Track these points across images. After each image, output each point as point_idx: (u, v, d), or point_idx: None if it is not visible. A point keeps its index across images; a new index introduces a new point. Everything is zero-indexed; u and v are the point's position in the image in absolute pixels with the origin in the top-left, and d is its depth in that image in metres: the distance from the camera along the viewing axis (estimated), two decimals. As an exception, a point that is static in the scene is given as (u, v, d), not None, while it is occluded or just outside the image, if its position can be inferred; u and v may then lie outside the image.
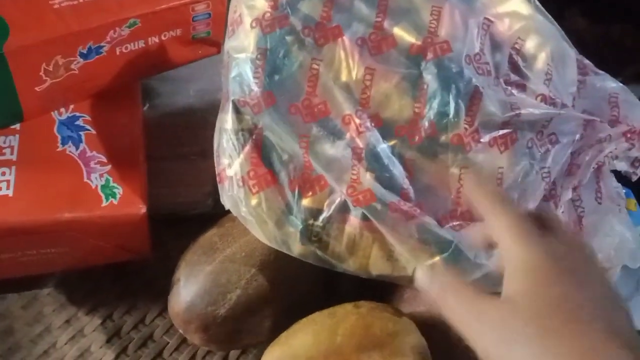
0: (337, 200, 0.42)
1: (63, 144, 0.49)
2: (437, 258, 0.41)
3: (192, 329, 0.44)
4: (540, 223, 0.34)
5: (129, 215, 0.46)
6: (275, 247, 0.43)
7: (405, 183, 0.40)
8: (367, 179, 0.40)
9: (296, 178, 0.42)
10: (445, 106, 0.40)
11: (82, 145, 0.49)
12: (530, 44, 0.43)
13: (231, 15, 0.44)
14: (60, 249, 0.47)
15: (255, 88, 0.41)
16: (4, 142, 0.48)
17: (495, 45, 0.42)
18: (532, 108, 0.41)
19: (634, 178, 0.48)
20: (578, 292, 0.30)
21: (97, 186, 0.47)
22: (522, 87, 0.42)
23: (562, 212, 0.44)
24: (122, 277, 0.53)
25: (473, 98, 0.40)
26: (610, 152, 0.45)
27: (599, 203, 0.46)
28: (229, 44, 0.43)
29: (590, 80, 0.46)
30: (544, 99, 0.42)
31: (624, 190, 0.57)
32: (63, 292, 0.52)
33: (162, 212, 0.52)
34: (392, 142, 0.41)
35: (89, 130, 0.50)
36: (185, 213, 0.57)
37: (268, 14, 0.41)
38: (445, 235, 0.40)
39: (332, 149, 0.41)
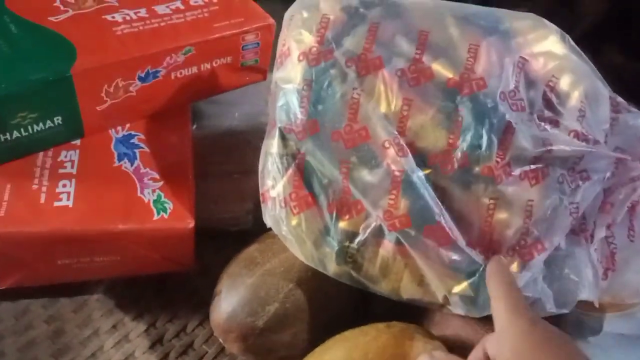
0: (373, 225, 0.44)
1: (119, 160, 0.52)
2: (464, 284, 0.42)
3: (232, 339, 0.47)
4: None
5: (178, 229, 0.49)
6: (312, 265, 0.46)
7: (438, 210, 0.42)
8: (403, 204, 0.42)
9: (334, 201, 0.44)
10: (478, 139, 0.42)
11: (137, 162, 0.52)
12: (564, 82, 0.44)
13: (280, 48, 0.47)
14: (112, 257, 0.50)
15: (301, 116, 0.44)
16: (66, 157, 0.52)
17: (530, 82, 0.44)
18: (564, 144, 0.42)
19: None
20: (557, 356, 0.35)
21: (149, 201, 0.50)
22: (555, 124, 0.44)
23: (596, 249, 0.45)
24: (165, 287, 0.56)
25: (506, 132, 0.42)
26: None
27: (632, 241, 0.47)
28: (277, 75, 0.46)
29: (623, 118, 0.47)
30: (577, 136, 0.43)
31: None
32: (111, 298, 0.55)
33: (205, 227, 0.55)
34: (427, 171, 0.43)
35: (143, 148, 0.54)
36: (227, 229, 0.59)
37: (314, 49, 0.44)
38: (473, 256, 0.42)
39: (370, 176, 0.43)
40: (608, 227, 0.45)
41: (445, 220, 0.41)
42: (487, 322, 0.47)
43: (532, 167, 0.42)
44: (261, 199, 0.47)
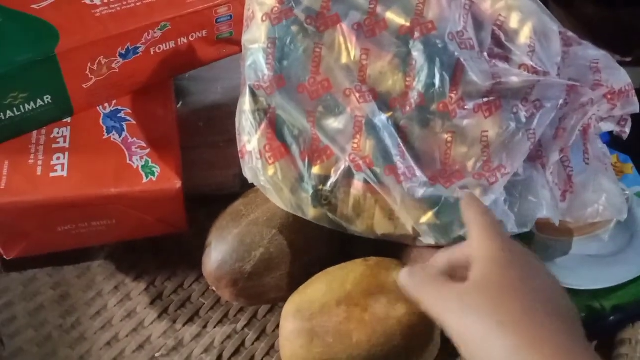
0: (342, 167, 0.47)
1: (108, 132, 0.56)
2: (429, 213, 0.46)
3: (224, 285, 0.50)
4: None
5: (166, 190, 0.53)
6: (291, 211, 0.49)
7: (399, 149, 0.45)
8: (367, 146, 0.46)
9: (306, 149, 0.48)
10: (432, 78, 0.45)
11: (125, 133, 0.56)
12: (512, 20, 0.47)
13: (246, 13, 0.51)
14: (108, 221, 0.54)
15: (267, 72, 0.47)
16: (58, 133, 0.55)
17: (478, 23, 0.47)
18: (513, 77, 0.46)
19: (625, 136, 0.51)
20: (528, 278, 0.37)
21: (138, 166, 0.53)
22: (505, 59, 0.47)
23: (552, 172, 0.48)
24: (162, 250, 0.59)
25: (456, 70, 0.45)
26: (594, 114, 0.49)
27: (587, 163, 0.50)
28: (244, 38, 0.50)
29: (573, 50, 0.50)
30: (527, 69, 0.47)
31: (623, 156, 0.61)
32: (112, 263, 0.59)
33: (196, 194, 0.58)
34: (388, 114, 0.46)
35: (130, 120, 0.57)
36: (216, 194, 0.62)
37: (276, 8, 0.47)
38: (432, 192, 0.45)
39: (336, 122, 0.47)
40: (561, 151, 0.48)
41: (402, 159, 0.45)
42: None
43: (485, 100, 0.46)
44: (239, 154, 0.50)
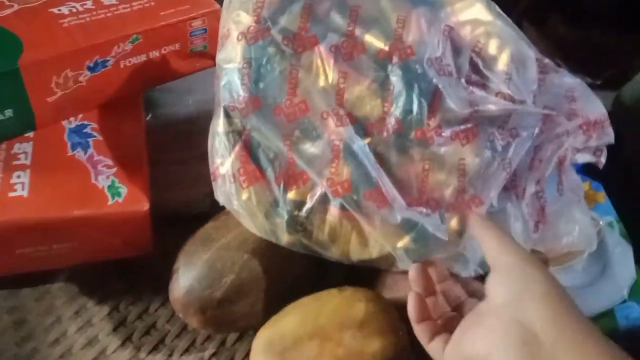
0: (319, 193, 0.46)
1: (72, 149, 0.53)
2: (405, 238, 0.45)
3: (191, 312, 0.48)
4: None
5: (133, 212, 0.50)
6: (265, 237, 0.47)
7: (376, 174, 0.44)
8: (344, 171, 0.45)
9: (281, 174, 0.46)
10: (410, 104, 0.44)
11: (90, 150, 0.53)
12: (490, 47, 0.47)
13: (221, 30, 0.49)
14: (71, 244, 0.51)
15: (243, 93, 0.45)
16: (19, 149, 0.52)
17: (457, 49, 0.46)
18: (490, 104, 0.45)
19: (600, 166, 0.51)
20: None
21: (103, 186, 0.51)
22: (482, 87, 0.46)
23: (527, 203, 0.48)
24: (127, 272, 0.57)
25: (434, 96, 0.44)
26: (570, 145, 0.49)
27: (560, 194, 0.50)
28: (219, 57, 0.48)
29: (549, 78, 0.50)
30: (504, 97, 0.46)
31: (595, 184, 0.61)
32: (73, 285, 0.56)
33: (164, 213, 0.56)
34: (366, 140, 0.45)
35: (96, 137, 0.55)
36: (185, 213, 0.61)
37: (252, 28, 0.46)
38: (410, 215, 0.44)
39: (313, 147, 0.45)
40: (537, 182, 0.48)
41: (383, 183, 0.44)
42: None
43: (462, 127, 0.45)
44: (212, 177, 0.49)
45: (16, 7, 0.54)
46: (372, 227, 0.45)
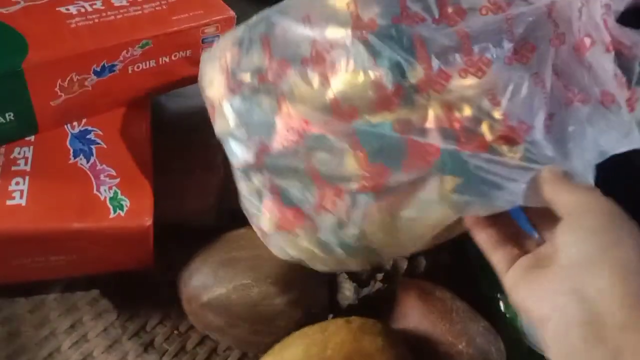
0: (358, 200, 0.43)
1: (75, 156, 0.51)
2: (455, 179, 0.41)
3: (184, 297, 0.50)
4: None
5: (134, 227, 0.48)
6: (337, 271, 0.46)
7: (405, 140, 0.41)
8: (371, 159, 0.42)
9: (317, 201, 0.43)
10: (399, 65, 0.41)
11: (93, 159, 0.51)
12: None
13: (209, 110, 0.49)
14: (68, 256, 0.49)
15: (249, 149, 0.44)
16: (19, 153, 0.50)
17: None
18: (479, 23, 0.41)
19: None
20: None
21: (105, 198, 0.49)
22: (462, 14, 0.42)
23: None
24: (125, 285, 0.55)
25: (416, 45, 0.41)
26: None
27: None
28: (217, 131, 0.48)
29: None
30: (488, 9, 0.41)
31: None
32: (69, 297, 0.54)
33: (166, 223, 0.54)
34: (375, 119, 0.42)
35: (99, 144, 0.53)
36: (189, 224, 0.59)
37: (227, 88, 0.45)
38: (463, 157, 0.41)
39: (329, 157, 0.43)
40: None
41: (415, 141, 0.41)
42: (445, 316, 0.48)
43: (466, 59, 0.41)
44: (259, 235, 0.47)
45: (22, 4, 0.52)
46: (421, 191, 0.42)
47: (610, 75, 0.42)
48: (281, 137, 0.43)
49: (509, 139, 0.41)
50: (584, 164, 0.41)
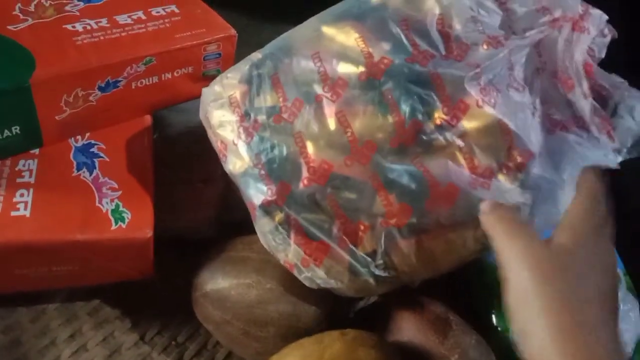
0: (383, 234, 0.44)
1: (78, 169, 0.52)
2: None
3: (193, 284, 0.52)
4: None
5: (136, 239, 0.49)
6: (360, 295, 0.47)
7: (425, 180, 0.43)
8: (395, 198, 0.43)
9: (341, 236, 0.45)
10: (415, 100, 0.43)
11: (96, 172, 0.52)
12: (447, 12, 0.45)
13: (215, 146, 0.50)
14: (70, 267, 0.50)
15: (268, 186, 0.45)
16: (24, 166, 0.51)
17: (424, 32, 0.45)
18: (485, 57, 0.43)
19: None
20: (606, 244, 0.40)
21: (107, 210, 0.50)
22: (466, 48, 0.44)
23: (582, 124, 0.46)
24: (125, 296, 0.55)
25: (434, 82, 0.43)
26: (579, 48, 0.46)
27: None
28: (228, 168, 0.48)
29: (511, 4, 0.47)
30: (489, 44, 0.44)
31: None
32: (69, 307, 0.55)
33: (166, 235, 0.55)
34: (395, 158, 0.44)
35: (102, 157, 0.54)
36: (188, 236, 0.60)
37: (241, 128, 0.46)
38: (478, 195, 0.43)
39: (353, 194, 0.44)
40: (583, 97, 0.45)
41: (437, 183, 0.43)
42: (439, 329, 0.49)
43: (480, 89, 0.43)
44: (288, 268, 0.48)
45: (30, 21, 0.53)
46: (449, 230, 0.44)
47: (588, 110, 0.45)
48: (303, 176, 0.44)
49: (516, 167, 0.44)
50: (572, 178, 0.44)
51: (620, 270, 0.58)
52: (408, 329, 0.49)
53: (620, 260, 0.58)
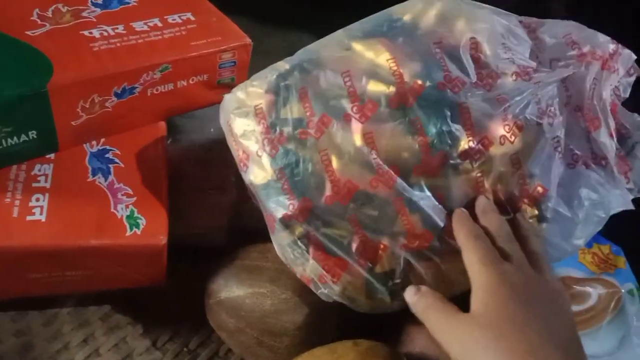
0: (402, 255, 0.44)
1: (93, 174, 0.53)
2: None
3: (206, 291, 0.52)
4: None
5: (150, 246, 0.50)
6: (375, 312, 0.47)
7: (442, 211, 0.44)
8: (417, 221, 0.44)
9: (361, 254, 0.44)
10: (442, 130, 0.43)
11: (111, 177, 0.53)
12: (480, 37, 0.46)
13: (236, 155, 0.49)
14: (84, 272, 0.50)
15: (291, 201, 0.44)
16: (40, 170, 0.52)
17: (456, 57, 0.45)
18: (515, 92, 0.44)
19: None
20: (527, 309, 0.38)
21: (122, 216, 0.50)
22: (495, 77, 0.45)
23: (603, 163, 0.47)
24: (137, 302, 0.56)
25: (462, 113, 0.43)
26: (606, 86, 0.46)
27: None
28: (249, 178, 0.47)
29: (541, 33, 0.48)
30: (517, 74, 0.45)
31: (616, 248, 0.60)
32: (82, 312, 0.55)
33: (179, 242, 0.56)
34: (418, 182, 0.44)
35: (117, 163, 0.54)
36: (201, 243, 0.60)
37: (266, 140, 0.45)
38: None
39: (376, 214, 0.44)
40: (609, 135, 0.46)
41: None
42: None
43: (505, 125, 0.44)
44: (305, 282, 0.48)
45: (48, 27, 0.54)
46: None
47: (613, 151, 0.46)
48: (327, 194, 0.44)
49: (530, 201, 0.44)
50: (588, 217, 0.46)
51: (633, 285, 0.57)
52: (420, 339, 0.49)
53: (634, 275, 0.58)
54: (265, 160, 0.45)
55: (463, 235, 0.42)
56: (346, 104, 0.44)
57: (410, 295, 0.43)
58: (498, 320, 0.37)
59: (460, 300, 0.41)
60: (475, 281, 0.40)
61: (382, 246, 0.44)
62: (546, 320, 0.38)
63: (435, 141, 0.43)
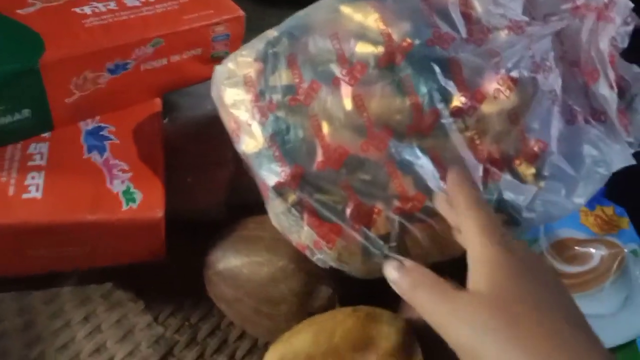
0: (397, 218, 0.44)
1: (89, 152, 0.52)
2: None
3: (205, 261, 0.52)
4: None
5: (147, 219, 0.49)
6: (376, 277, 0.46)
7: (436, 171, 0.43)
8: (410, 184, 0.43)
9: (355, 218, 0.44)
10: (435, 90, 0.42)
11: (106, 154, 0.53)
12: None
13: (227, 126, 0.48)
14: (82, 248, 0.50)
15: (282, 168, 0.44)
16: (35, 149, 0.51)
17: (444, 14, 0.44)
18: (506, 45, 0.43)
19: None
20: (539, 287, 0.34)
21: (118, 191, 0.50)
22: (487, 32, 0.44)
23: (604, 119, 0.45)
24: (138, 277, 0.55)
25: (453, 68, 0.42)
26: (603, 37, 0.45)
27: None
28: (241, 148, 0.47)
29: None
30: (511, 28, 0.44)
31: (619, 209, 0.60)
32: (83, 290, 0.55)
33: (177, 219, 0.55)
34: (409, 143, 0.43)
35: (113, 140, 0.54)
36: (199, 219, 0.60)
37: (256, 108, 0.45)
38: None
39: (368, 178, 0.44)
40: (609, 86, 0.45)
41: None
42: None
43: (499, 78, 0.43)
44: (300, 249, 0.47)
45: (39, 5, 0.53)
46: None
47: (614, 102, 0.44)
48: (318, 159, 0.44)
49: (529, 157, 0.43)
50: (589, 175, 0.44)
51: (637, 245, 0.57)
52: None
53: (638, 235, 0.58)
54: (256, 128, 0.45)
55: (462, 201, 0.38)
56: (335, 68, 0.44)
57: (390, 271, 0.39)
58: (510, 300, 0.33)
59: (439, 270, 0.37)
60: (475, 254, 0.35)
61: (376, 210, 0.44)
62: (555, 298, 0.34)
63: (426, 99, 0.43)
